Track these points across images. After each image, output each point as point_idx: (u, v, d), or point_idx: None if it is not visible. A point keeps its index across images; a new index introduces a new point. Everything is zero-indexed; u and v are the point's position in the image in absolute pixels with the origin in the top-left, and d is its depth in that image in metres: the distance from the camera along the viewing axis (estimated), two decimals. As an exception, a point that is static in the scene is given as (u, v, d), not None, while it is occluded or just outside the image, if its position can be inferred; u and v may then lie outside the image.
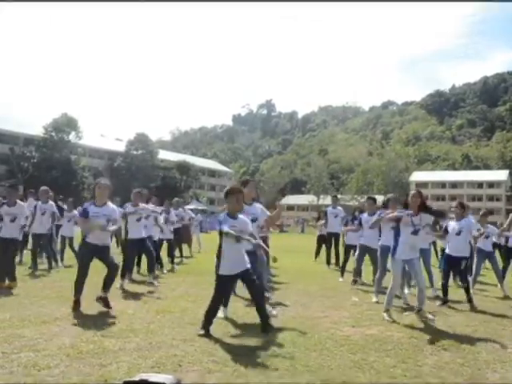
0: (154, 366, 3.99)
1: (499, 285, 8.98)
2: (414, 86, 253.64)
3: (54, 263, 10.39)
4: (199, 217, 20.77)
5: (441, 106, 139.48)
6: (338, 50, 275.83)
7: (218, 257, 5.43)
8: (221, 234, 5.30)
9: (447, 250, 7.82)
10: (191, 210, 19.31)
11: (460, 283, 8.06)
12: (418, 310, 6.29)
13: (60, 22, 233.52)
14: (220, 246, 5.41)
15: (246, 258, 5.33)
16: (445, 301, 7.41)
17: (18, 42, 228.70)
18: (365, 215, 8.99)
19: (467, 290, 7.45)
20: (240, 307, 6.51)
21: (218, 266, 5.34)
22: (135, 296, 7.25)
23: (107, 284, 6.23)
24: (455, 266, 7.67)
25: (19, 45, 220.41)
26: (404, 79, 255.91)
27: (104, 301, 6.12)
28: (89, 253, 6.25)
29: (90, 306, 6.11)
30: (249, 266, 5.30)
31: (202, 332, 5.02)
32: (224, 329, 5.32)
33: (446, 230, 7.81)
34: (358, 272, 9.15)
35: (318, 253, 13.98)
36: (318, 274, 10.98)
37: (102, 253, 6.25)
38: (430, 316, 6.20)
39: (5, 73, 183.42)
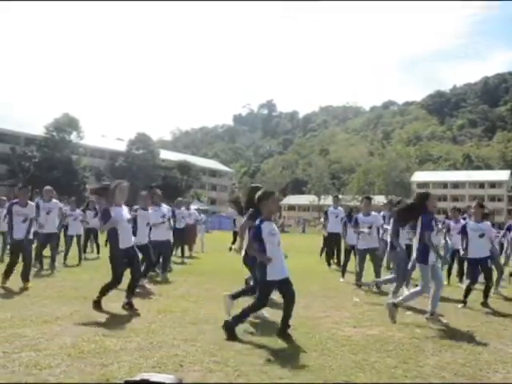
0: (155, 365, 3.99)
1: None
2: (415, 86, 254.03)
3: (55, 263, 10.36)
4: (203, 216, 20.72)
5: (441, 106, 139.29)
6: (339, 50, 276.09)
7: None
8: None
9: (470, 255, 7.53)
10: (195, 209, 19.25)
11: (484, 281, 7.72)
12: (431, 314, 6.03)
13: (60, 22, 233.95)
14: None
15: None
16: (463, 302, 7.32)
17: (18, 42, 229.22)
18: (360, 215, 8.84)
19: (487, 291, 7.35)
20: (239, 307, 6.49)
21: (264, 273, 5.02)
22: (136, 296, 7.23)
23: (132, 289, 6.26)
24: (480, 267, 7.48)
25: (20, 44, 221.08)
26: (404, 79, 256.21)
27: (129, 305, 6.14)
28: (124, 259, 6.25)
29: (91, 306, 6.11)
30: (288, 274, 5.19)
31: (229, 331, 4.96)
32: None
33: (464, 230, 7.62)
34: (360, 276, 8.94)
35: (323, 251, 13.87)
36: (320, 274, 10.98)
37: (131, 252, 6.30)
38: (444, 321, 5.99)
39: (5, 72, 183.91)
